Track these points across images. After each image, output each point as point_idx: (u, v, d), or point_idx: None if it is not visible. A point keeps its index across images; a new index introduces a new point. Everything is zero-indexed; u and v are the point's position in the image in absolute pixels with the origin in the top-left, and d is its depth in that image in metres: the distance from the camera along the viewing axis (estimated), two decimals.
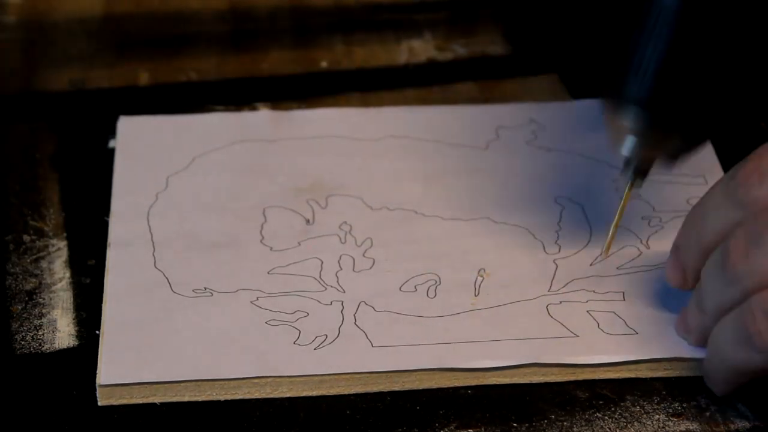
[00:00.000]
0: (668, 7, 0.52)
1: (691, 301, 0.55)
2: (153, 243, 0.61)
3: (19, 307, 0.59)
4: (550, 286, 0.59)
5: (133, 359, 0.55)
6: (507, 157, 0.67)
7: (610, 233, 0.59)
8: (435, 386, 0.55)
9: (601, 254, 0.60)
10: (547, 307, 0.58)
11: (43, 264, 0.61)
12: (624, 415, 0.54)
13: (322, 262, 0.60)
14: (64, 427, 0.53)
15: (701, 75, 0.53)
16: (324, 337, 0.56)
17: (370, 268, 0.60)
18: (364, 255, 0.61)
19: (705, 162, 0.64)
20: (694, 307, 0.54)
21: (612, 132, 0.56)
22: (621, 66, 0.54)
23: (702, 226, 0.53)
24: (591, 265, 0.60)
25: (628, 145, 0.56)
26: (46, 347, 0.57)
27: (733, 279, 0.51)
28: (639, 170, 0.56)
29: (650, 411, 0.54)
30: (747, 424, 0.54)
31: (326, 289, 0.59)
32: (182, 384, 0.54)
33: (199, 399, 0.54)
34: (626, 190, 0.58)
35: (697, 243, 0.53)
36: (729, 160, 0.64)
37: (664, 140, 0.55)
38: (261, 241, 0.62)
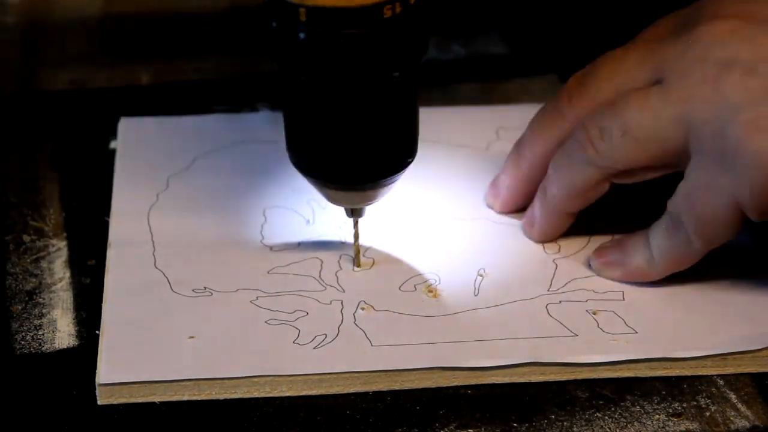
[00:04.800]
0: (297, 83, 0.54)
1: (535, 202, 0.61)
2: (153, 243, 0.61)
3: (19, 307, 0.59)
4: (550, 286, 0.59)
5: (132, 358, 0.55)
6: None
7: (354, 252, 0.60)
8: (434, 385, 0.55)
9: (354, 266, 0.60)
10: (546, 306, 0.58)
11: (43, 264, 0.61)
12: (624, 415, 0.54)
13: (322, 262, 0.60)
14: (64, 427, 0.53)
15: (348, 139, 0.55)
16: (323, 336, 0.56)
17: (370, 267, 0.60)
18: (364, 255, 0.61)
19: None
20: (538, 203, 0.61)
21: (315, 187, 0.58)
22: (291, 141, 0.57)
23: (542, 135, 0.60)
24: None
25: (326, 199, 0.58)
26: (46, 347, 0.57)
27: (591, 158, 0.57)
28: (352, 213, 0.59)
29: (650, 411, 0.54)
30: (747, 424, 0.54)
31: (326, 288, 0.59)
32: (182, 383, 0.54)
33: (199, 398, 0.54)
34: (354, 227, 0.60)
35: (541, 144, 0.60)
36: None
37: (349, 200, 0.58)
38: (261, 241, 0.62)
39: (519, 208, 0.63)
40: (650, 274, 0.58)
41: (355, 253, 0.60)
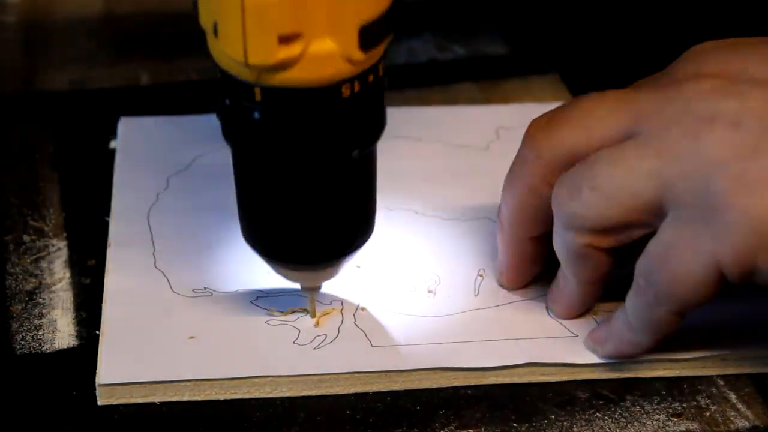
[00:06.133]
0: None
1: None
2: (153, 243, 0.61)
3: (19, 307, 0.59)
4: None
5: (132, 359, 0.55)
6: (507, 157, 0.66)
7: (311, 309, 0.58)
8: (434, 386, 0.55)
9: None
10: (546, 307, 0.58)
11: (43, 264, 0.61)
12: (624, 415, 0.54)
13: None
14: (64, 427, 0.53)
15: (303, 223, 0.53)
16: (323, 336, 0.56)
17: (370, 267, 0.60)
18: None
19: None
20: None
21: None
22: (244, 221, 0.55)
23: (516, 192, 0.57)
24: None
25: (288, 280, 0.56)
26: (46, 347, 0.57)
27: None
28: (308, 290, 0.57)
29: (650, 411, 0.54)
30: (747, 424, 0.54)
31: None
32: (182, 383, 0.54)
33: (199, 398, 0.54)
34: (309, 301, 0.57)
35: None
36: None
37: (305, 278, 0.56)
38: None
39: (525, 275, 0.59)
40: (640, 344, 0.55)
41: (313, 309, 0.58)
